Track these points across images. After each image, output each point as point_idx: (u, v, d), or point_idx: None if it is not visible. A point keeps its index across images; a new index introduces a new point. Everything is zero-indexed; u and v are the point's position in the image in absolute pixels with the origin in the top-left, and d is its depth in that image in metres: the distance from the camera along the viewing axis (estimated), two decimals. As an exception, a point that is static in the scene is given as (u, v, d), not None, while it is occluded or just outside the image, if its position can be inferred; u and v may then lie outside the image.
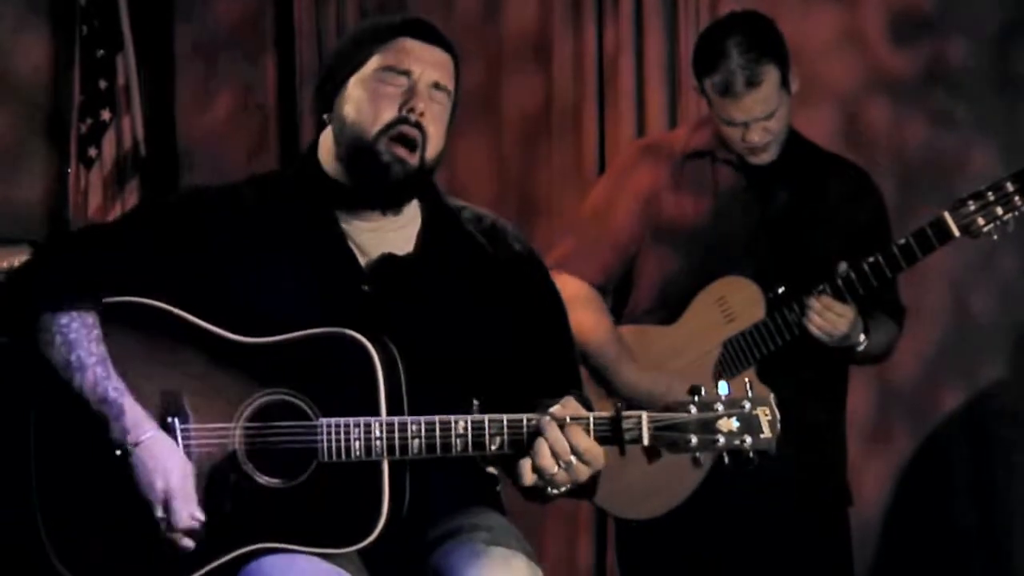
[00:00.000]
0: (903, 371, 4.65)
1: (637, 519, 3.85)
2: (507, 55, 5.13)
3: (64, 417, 2.71)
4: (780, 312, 3.69)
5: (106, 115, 5.16)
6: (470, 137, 5.12)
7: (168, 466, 2.64)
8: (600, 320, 3.84)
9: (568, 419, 2.61)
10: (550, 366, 2.88)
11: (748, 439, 2.61)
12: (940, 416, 4.75)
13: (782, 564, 3.80)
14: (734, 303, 3.74)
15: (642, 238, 3.86)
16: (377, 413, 2.62)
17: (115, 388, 2.67)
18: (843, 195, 3.82)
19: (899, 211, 4.07)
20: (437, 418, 2.62)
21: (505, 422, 2.62)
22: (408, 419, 2.62)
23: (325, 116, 2.83)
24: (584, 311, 3.80)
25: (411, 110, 2.74)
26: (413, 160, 2.75)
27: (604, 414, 2.63)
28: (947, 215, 3.53)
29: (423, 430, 2.62)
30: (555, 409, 2.63)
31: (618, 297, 3.96)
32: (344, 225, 2.81)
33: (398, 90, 2.75)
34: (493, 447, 2.62)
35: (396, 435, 2.61)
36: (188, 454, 2.67)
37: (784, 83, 3.69)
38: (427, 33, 2.81)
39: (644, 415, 2.62)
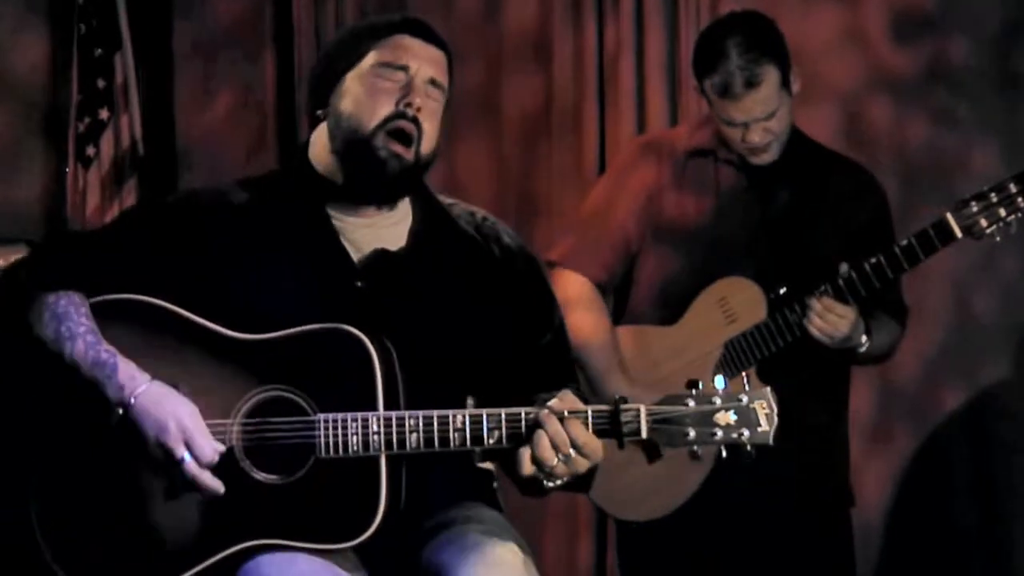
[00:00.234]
0: (905, 371, 4.65)
1: (638, 520, 3.84)
2: (507, 54, 5.13)
3: (60, 416, 2.72)
4: (781, 313, 3.68)
5: (104, 114, 5.15)
6: (470, 137, 5.13)
7: (175, 407, 2.65)
8: (598, 324, 3.84)
9: (566, 412, 2.62)
10: (545, 360, 2.91)
11: (746, 432, 2.62)
12: (941, 416, 4.74)
13: (783, 565, 3.80)
14: (735, 304, 3.74)
15: (643, 236, 3.86)
16: (375, 408, 2.64)
17: (106, 351, 2.69)
18: (845, 194, 3.82)
19: (900, 210, 4.06)
20: (435, 412, 2.64)
21: (503, 416, 2.64)
22: (406, 413, 2.64)
23: (319, 112, 2.87)
24: (585, 312, 3.81)
25: (408, 105, 2.78)
26: (409, 156, 2.79)
27: (602, 407, 2.65)
28: (949, 216, 3.52)
29: (421, 424, 2.63)
30: (553, 403, 2.65)
31: (618, 297, 3.96)
32: (337, 222, 2.85)
33: (395, 85, 2.80)
34: (491, 441, 2.63)
35: (394, 430, 2.63)
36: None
37: (784, 83, 3.69)
38: (423, 31, 2.86)
39: (642, 408, 2.63)
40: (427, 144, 2.81)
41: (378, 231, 2.86)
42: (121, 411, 2.66)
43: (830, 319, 3.59)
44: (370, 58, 2.82)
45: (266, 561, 2.63)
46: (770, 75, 3.64)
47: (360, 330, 2.67)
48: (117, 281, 2.77)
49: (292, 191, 2.87)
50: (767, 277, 3.73)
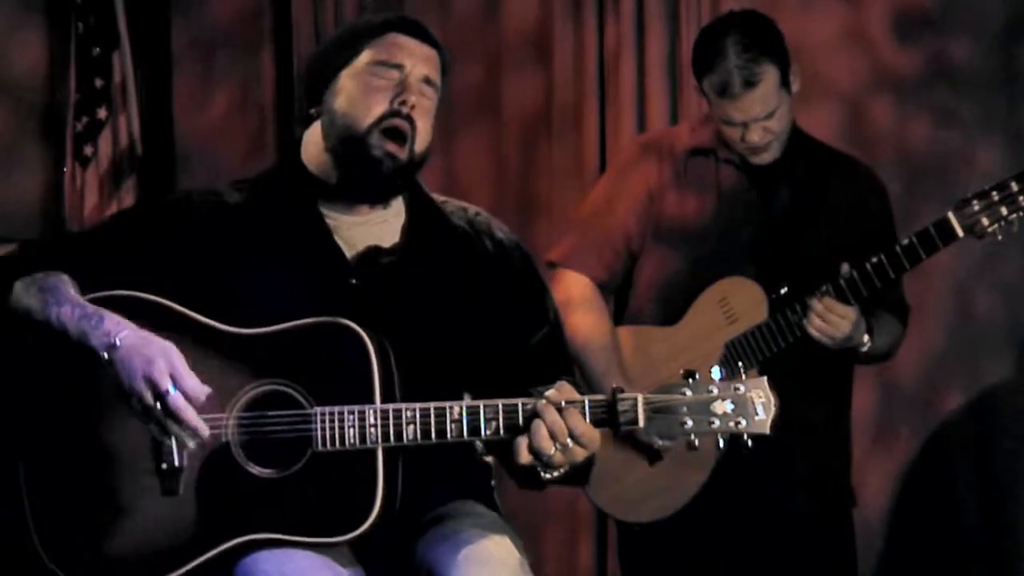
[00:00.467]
0: (906, 371, 4.64)
1: (639, 522, 3.83)
2: (507, 53, 5.13)
3: (55, 416, 2.73)
4: (783, 313, 3.68)
5: (102, 113, 5.16)
6: (470, 136, 5.13)
7: (163, 346, 2.64)
8: (599, 325, 3.83)
9: (564, 402, 2.63)
10: (541, 354, 2.92)
11: (743, 421, 2.64)
12: (943, 416, 4.73)
13: (785, 566, 3.79)
14: (736, 304, 3.73)
15: (644, 236, 3.85)
16: (371, 401, 2.65)
17: (93, 308, 2.69)
18: (847, 193, 3.81)
19: (902, 210, 4.05)
20: (432, 404, 2.64)
21: (500, 407, 2.65)
22: (403, 406, 2.65)
23: (313, 110, 2.89)
24: (585, 313, 3.82)
25: (403, 103, 2.81)
26: (403, 154, 2.81)
27: (600, 397, 2.66)
28: (951, 215, 3.51)
29: (418, 416, 2.64)
30: (551, 393, 2.66)
31: (619, 297, 3.96)
32: (330, 220, 2.87)
33: (390, 84, 2.83)
34: (488, 432, 2.64)
35: (391, 422, 2.64)
36: (180, 446, 2.69)
37: (784, 82, 3.68)
38: (417, 29, 2.88)
39: (639, 397, 2.64)
40: (421, 142, 2.83)
41: (371, 228, 2.88)
42: (107, 355, 2.64)
43: (831, 319, 3.58)
44: (364, 56, 2.85)
45: (263, 557, 2.63)
46: (769, 74, 3.63)
47: (360, 327, 2.67)
48: (108, 278, 2.77)
49: (285, 190, 2.89)
50: (768, 277, 3.72)
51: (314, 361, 2.68)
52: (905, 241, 3.55)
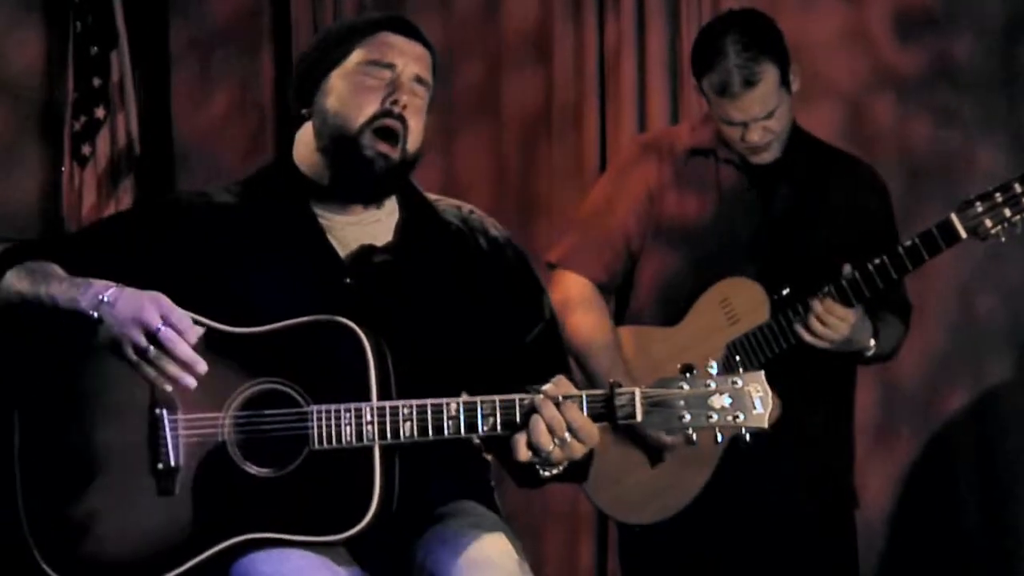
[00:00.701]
0: (908, 372, 4.63)
1: (640, 523, 3.83)
2: (507, 52, 5.12)
3: (50, 417, 2.73)
4: (784, 314, 3.67)
5: (100, 113, 5.15)
6: (470, 136, 5.13)
7: (150, 293, 2.64)
8: (599, 323, 3.83)
9: (561, 397, 2.63)
10: (536, 352, 2.91)
11: (741, 415, 2.63)
12: (945, 417, 4.72)
13: (787, 567, 3.79)
14: (738, 305, 3.72)
15: (644, 237, 3.85)
16: (368, 399, 2.65)
17: (81, 278, 2.69)
18: (848, 192, 3.81)
19: (904, 210, 4.06)
20: (429, 401, 2.64)
21: (497, 403, 2.64)
22: (399, 402, 2.65)
23: (304, 111, 2.89)
24: (585, 313, 3.81)
25: (395, 102, 2.81)
26: (395, 154, 2.81)
27: (597, 391, 2.65)
28: (954, 217, 3.51)
29: (415, 413, 2.64)
30: (548, 387, 2.66)
31: (619, 298, 3.95)
32: (323, 220, 2.87)
33: (381, 83, 2.83)
34: (485, 428, 2.64)
35: (387, 419, 2.64)
36: (176, 445, 2.69)
37: (784, 82, 3.67)
38: (407, 28, 2.88)
39: (637, 391, 2.64)
40: (413, 142, 2.83)
41: (364, 228, 2.88)
42: (96, 314, 2.64)
43: (830, 321, 3.57)
44: (355, 56, 2.84)
45: (260, 558, 2.63)
46: (768, 73, 3.62)
47: (356, 325, 2.67)
48: (101, 278, 2.74)
49: (277, 190, 2.89)
50: (769, 277, 3.72)
51: (310, 359, 2.68)
52: (908, 242, 3.54)
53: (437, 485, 2.80)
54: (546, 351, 2.94)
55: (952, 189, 4.21)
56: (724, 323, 3.72)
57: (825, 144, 3.88)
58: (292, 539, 2.64)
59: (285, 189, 2.88)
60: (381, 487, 2.64)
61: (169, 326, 2.60)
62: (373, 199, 2.88)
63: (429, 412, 2.64)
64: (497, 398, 2.64)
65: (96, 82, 5.14)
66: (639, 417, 2.63)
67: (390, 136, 2.80)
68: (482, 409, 2.64)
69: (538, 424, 2.61)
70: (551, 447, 2.62)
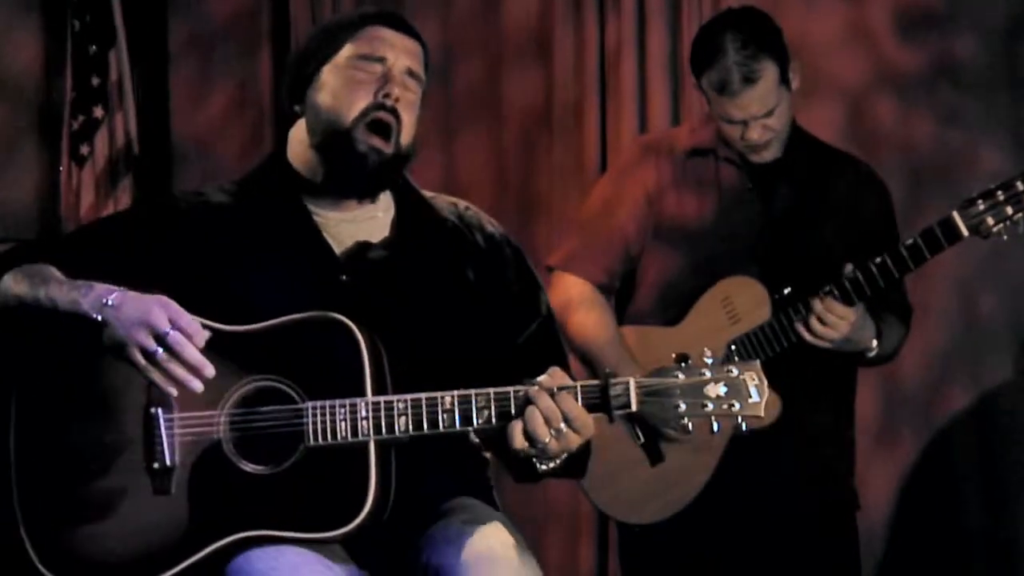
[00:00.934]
0: (910, 372, 4.63)
1: (639, 523, 3.82)
2: (507, 51, 5.12)
3: (45, 417, 2.72)
4: (786, 313, 3.66)
5: (99, 112, 5.16)
6: (469, 135, 5.13)
7: (156, 296, 2.64)
8: (602, 321, 3.83)
9: (556, 388, 2.62)
10: (534, 348, 2.91)
11: (736, 404, 2.62)
12: (947, 418, 4.71)
13: (788, 568, 3.79)
14: (739, 304, 3.72)
15: (644, 238, 3.85)
16: (363, 394, 2.64)
17: (81, 280, 2.69)
18: (849, 192, 3.80)
19: (906, 210, 4.06)
20: (423, 395, 2.64)
21: (492, 395, 2.64)
22: (394, 397, 2.64)
23: (297, 108, 2.89)
24: (587, 312, 3.82)
25: (387, 96, 2.80)
26: (388, 148, 2.81)
27: (592, 381, 2.64)
28: (956, 215, 3.50)
29: (410, 407, 2.64)
30: (543, 379, 2.66)
31: (622, 298, 3.95)
32: (318, 218, 2.86)
33: (372, 77, 2.83)
34: (480, 420, 2.64)
35: (383, 413, 2.64)
36: (172, 444, 2.69)
37: (783, 80, 3.68)
38: (398, 22, 2.89)
39: (631, 381, 2.64)
40: (406, 135, 2.83)
41: (360, 224, 2.87)
42: (100, 317, 2.63)
43: (830, 320, 3.57)
44: (346, 51, 2.84)
45: (255, 555, 2.62)
46: (768, 71, 3.62)
47: (350, 321, 2.67)
48: (98, 279, 2.74)
49: (272, 188, 2.89)
50: (771, 277, 3.71)
51: (305, 356, 2.67)
52: (909, 241, 3.54)
53: (435, 482, 2.80)
54: (543, 347, 2.93)
55: (954, 189, 4.20)
56: (725, 322, 3.72)
57: (826, 145, 3.88)
58: (288, 536, 2.63)
59: (279, 187, 2.88)
60: (377, 484, 2.63)
61: (178, 330, 2.60)
62: (367, 194, 2.87)
63: (424, 406, 2.63)
64: (492, 390, 2.64)
65: (94, 81, 5.15)
66: (634, 407, 2.63)
67: (383, 130, 2.79)
68: (477, 402, 2.64)
69: (534, 414, 2.60)
70: (547, 438, 2.61)
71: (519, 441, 2.62)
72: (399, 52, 2.83)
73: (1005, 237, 3.50)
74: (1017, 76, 4.62)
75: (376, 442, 2.64)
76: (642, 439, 3.71)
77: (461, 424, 2.64)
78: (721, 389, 2.62)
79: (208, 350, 2.65)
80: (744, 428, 2.65)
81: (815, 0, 4.75)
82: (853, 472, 3.90)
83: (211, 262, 2.79)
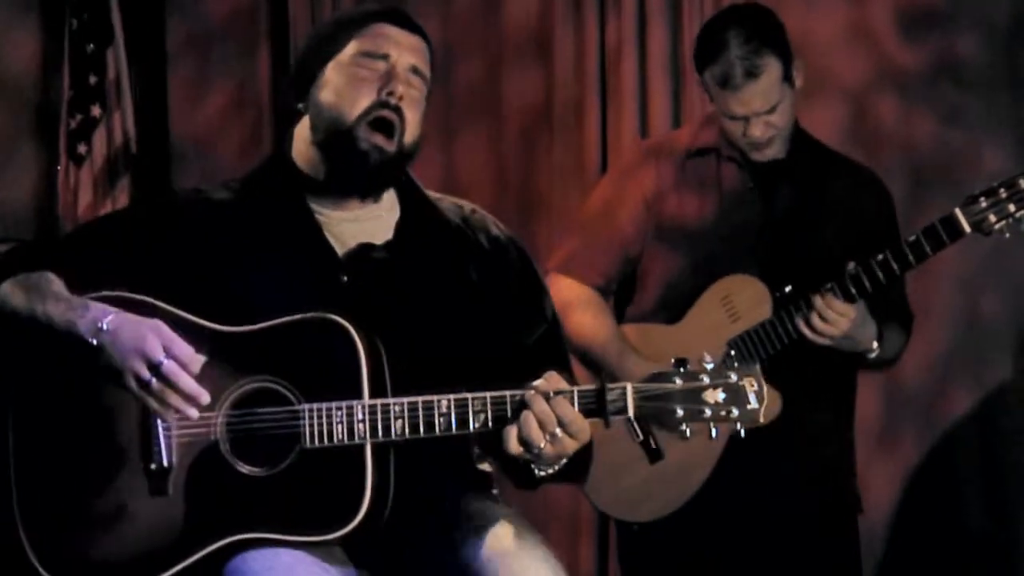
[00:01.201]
0: (911, 373, 4.61)
1: (638, 522, 3.82)
2: (507, 50, 5.12)
3: (42, 418, 2.72)
4: (787, 311, 3.65)
5: (96, 111, 5.15)
6: (469, 135, 5.13)
7: (151, 321, 2.62)
8: (601, 320, 3.83)
9: (552, 392, 2.61)
10: (539, 353, 2.89)
11: (735, 410, 2.61)
12: (949, 419, 4.71)
13: (787, 568, 3.78)
14: (739, 302, 3.72)
15: (644, 241, 3.85)
16: (360, 396, 2.63)
17: (78, 298, 2.68)
18: (851, 195, 3.81)
19: (908, 209, 4.08)
20: (420, 398, 2.63)
21: (488, 398, 2.63)
22: (391, 400, 2.63)
23: (300, 105, 2.86)
24: (584, 312, 3.82)
25: (390, 93, 2.78)
26: (391, 147, 2.79)
27: (588, 386, 2.63)
28: (958, 211, 3.50)
29: (406, 410, 2.63)
30: (539, 383, 2.64)
31: (623, 297, 3.95)
32: (320, 216, 2.85)
33: (376, 74, 2.81)
34: (476, 424, 2.63)
35: (379, 416, 2.63)
36: (169, 445, 2.68)
37: (787, 77, 3.68)
38: (402, 19, 2.86)
39: (628, 386, 2.62)
40: (410, 134, 2.81)
41: (362, 224, 2.85)
42: (96, 340, 2.62)
43: (830, 316, 3.56)
44: (350, 48, 2.82)
45: (250, 556, 2.62)
46: (771, 66, 3.63)
47: (348, 323, 2.65)
48: (96, 278, 2.75)
49: (274, 186, 2.87)
50: (772, 276, 3.71)
51: (302, 357, 2.66)
52: (911, 237, 3.53)
53: (435, 483, 2.79)
54: (548, 352, 2.91)
55: (956, 188, 4.19)
56: (726, 320, 3.71)
57: (828, 148, 3.89)
58: (285, 539, 2.62)
59: (282, 185, 2.86)
60: (373, 486, 2.62)
61: (172, 358, 2.59)
62: (369, 193, 2.85)
63: (420, 409, 2.62)
64: (488, 394, 2.63)
65: (92, 80, 5.14)
66: (631, 412, 2.61)
67: (386, 128, 2.77)
68: (473, 406, 2.63)
69: (528, 418, 2.59)
70: (542, 442, 2.59)
71: (514, 446, 2.61)
72: (403, 49, 2.81)
73: (1007, 235, 3.49)
74: (1019, 75, 4.62)
75: (373, 444, 2.63)
76: (641, 437, 3.70)
77: (457, 428, 2.63)
78: (720, 395, 2.60)
79: (205, 350, 2.65)
80: (742, 434, 2.64)
81: (817, -1, 4.77)
82: (854, 473, 3.90)
83: (211, 260, 2.78)
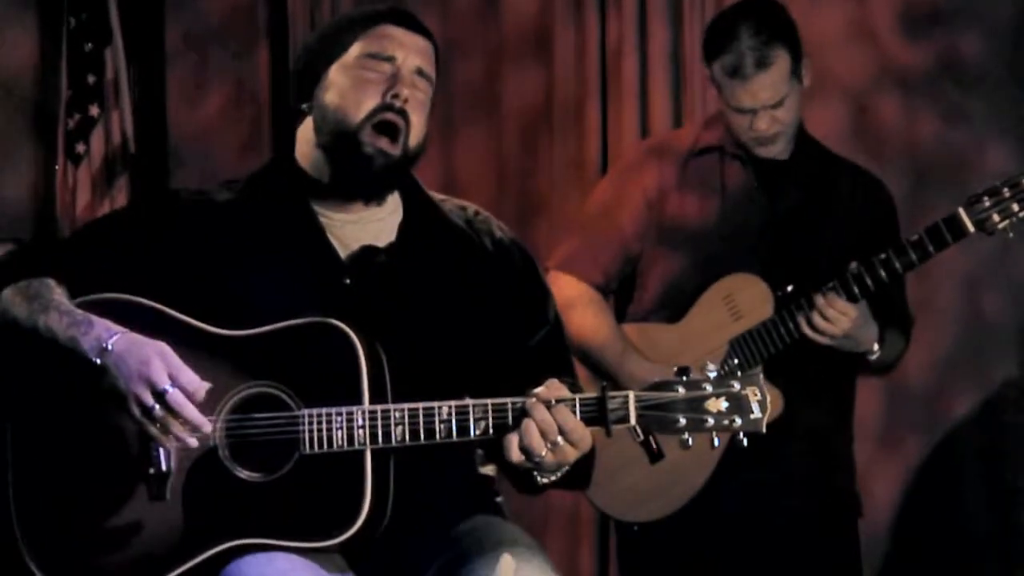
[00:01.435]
0: (913, 374, 4.60)
1: (637, 522, 3.81)
2: (507, 49, 5.11)
3: (41, 423, 2.71)
4: (788, 310, 3.65)
5: (94, 110, 5.15)
6: (469, 134, 5.12)
7: (156, 345, 2.61)
8: (601, 319, 3.83)
9: (554, 400, 2.59)
10: (541, 356, 2.88)
11: (738, 420, 2.59)
12: (951, 420, 4.70)
13: (788, 569, 3.78)
14: (741, 301, 3.72)
15: (645, 241, 3.85)
16: (360, 402, 2.62)
17: (81, 313, 2.66)
18: (853, 199, 3.82)
19: (910, 209, 4.09)
20: (420, 404, 2.61)
21: (489, 406, 2.61)
22: (391, 406, 2.62)
23: (304, 106, 2.84)
24: (584, 312, 3.81)
25: (395, 96, 2.76)
26: (395, 151, 2.77)
27: (590, 394, 2.62)
28: (961, 211, 3.50)
29: (406, 417, 2.61)
30: (540, 390, 2.62)
31: (623, 296, 3.94)
32: (323, 219, 2.83)
33: (382, 76, 2.78)
34: (477, 432, 2.61)
35: (379, 423, 2.61)
36: (168, 451, 2.66)
37: (795, 72, 3.69)
38: (408, 20, 2.84)
39: (630, 394, 2.60)
40: (415, 137, 2.78)
41: (366, 227, 2.83)
42: (99, 360, 2.61)
43: (831, 315, 3.57)
44: (355, 49, 2.80)
45: (246, 562, 2.60)
46: (781, 59, 3.65)
47: (348, 327, 2.64)
48: (96, 281, 2.74)
49: (277, 188, 2.85)
50: (774, 275, 3.71)
51: (302, 362, 2.65)
52: (914, 236, 3.53)
53: (436, 491, 2.77)
54: (550, 355, 2.90)
55: (959, 188, 4.19)
56: (728, 319, 3.71)
57: (832, 153, 3.89)
58: (283, 544, 2.61)
59: (285, 187, 2.84)
60: (372, 492, 2.61)
61: (177, 387, 2.58)
62: (373, 196, 2.83)
63: (421, 416, 2.61)
64: (489, 402, 2.61)
65: (90, 79, 5.13)
66: (633, 421, 2.59)
67: (391, 131, 2.75)
68: (474, 413, 2.61)
69: (529, 427, 2.57)
70: (543, 451, 2.58)
71: (515, 454, 2.59)
72: (409, 51, 2.78)
73: (1011, 234, 3.49)
74: (1022, 74, 4.62)
75: (373, 451, 2.61)
76: (641, 437, 3.69)
77: (458, 435, 2.61)
78: (723, 404, 2.58)
79: (204, 355, 2.64)
80: (744, 443, 2.62)
81: (819, -2, 4.77)
82: (854, 477, 3.90)
83: (213, 262, 2.76)
